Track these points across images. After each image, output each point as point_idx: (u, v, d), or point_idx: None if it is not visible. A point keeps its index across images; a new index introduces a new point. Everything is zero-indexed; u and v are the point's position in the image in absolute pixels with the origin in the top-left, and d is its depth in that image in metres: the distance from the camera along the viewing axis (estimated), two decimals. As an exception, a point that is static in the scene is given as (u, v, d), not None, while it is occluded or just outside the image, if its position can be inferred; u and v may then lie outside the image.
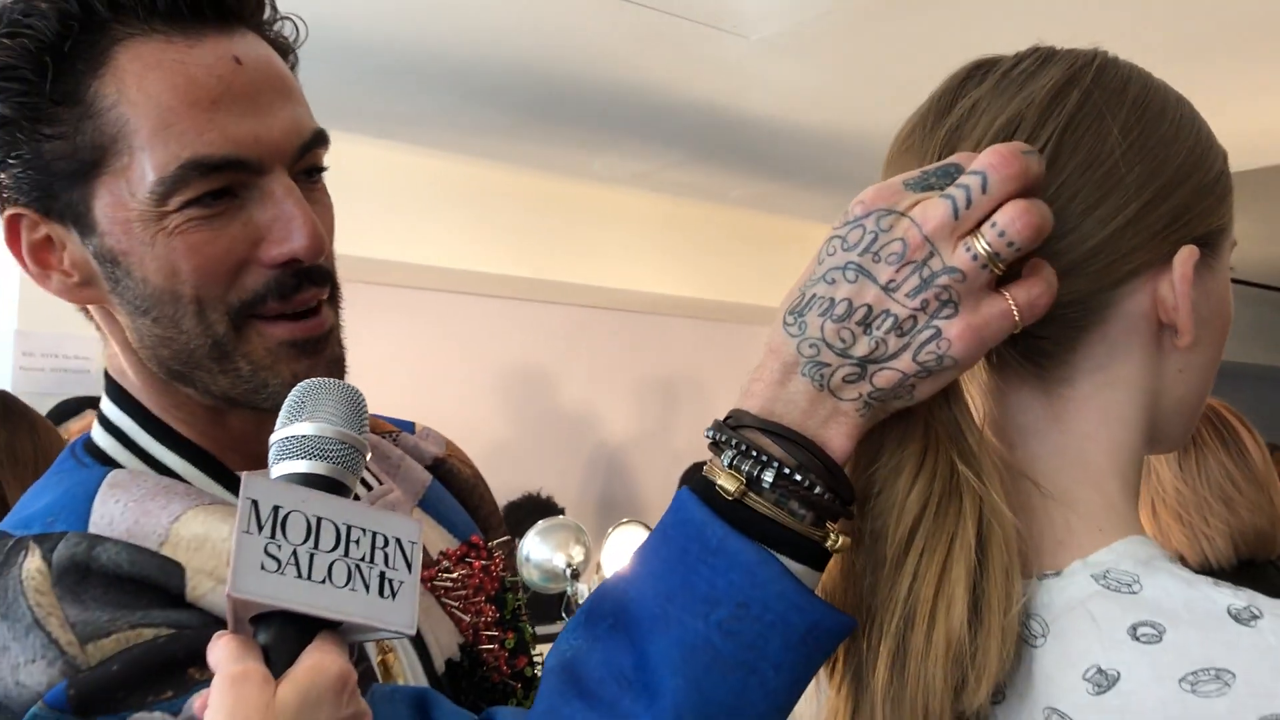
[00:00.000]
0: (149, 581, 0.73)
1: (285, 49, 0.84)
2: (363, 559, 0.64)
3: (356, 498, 0.71)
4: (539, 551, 3.71)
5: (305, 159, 0.79)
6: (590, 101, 3.95)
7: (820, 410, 0.61)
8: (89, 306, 0.84)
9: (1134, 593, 0.63)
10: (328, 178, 0.84)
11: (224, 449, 0.85)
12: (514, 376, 5.39)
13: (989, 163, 0.60)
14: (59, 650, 0.68)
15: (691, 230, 5.36)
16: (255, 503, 0.62)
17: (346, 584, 0.63)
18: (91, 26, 0.75)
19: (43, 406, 2.55)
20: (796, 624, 0.60)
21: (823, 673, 0.68)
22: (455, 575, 0.93)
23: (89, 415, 3.11)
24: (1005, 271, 0.61)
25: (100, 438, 0.85)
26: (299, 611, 0.61)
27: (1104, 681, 0.61)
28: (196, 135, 0.74)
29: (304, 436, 0.66)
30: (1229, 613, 0.60)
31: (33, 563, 0.72)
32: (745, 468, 0.61)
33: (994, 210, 0.60)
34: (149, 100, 0.74)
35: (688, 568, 0.60)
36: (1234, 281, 0.73)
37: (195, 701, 0.60)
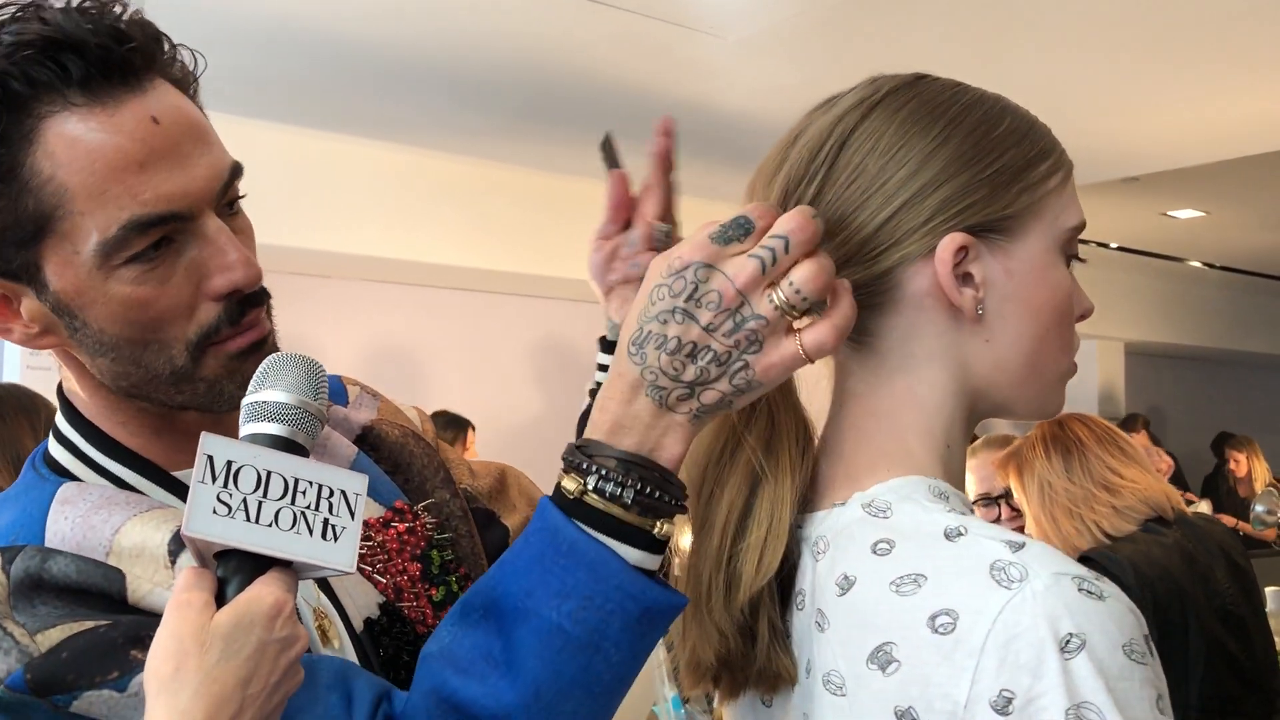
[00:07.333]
0: (95, 589, 0.83)
1: (186, 82, 0.90)
2: (309, 507, 0.75)
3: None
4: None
5: (225, 195, 0.88)
6: (576, 102, 4.04)
7: (660, 423, 0.75)
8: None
9: (885, 518, 0.77)
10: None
11: (169, 450, 0.94)
12: (516, 370, 5.48)
13: (789, 228, 0.73)
14: (14, 641, 0.77)
15: (684, 225, 5.41)
16: (211, 458, 0.72)
17: (292, 528, 0.73)
18: (14, 107, 0.81)
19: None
20: (632, 609, 0.74)
21: None
22: (374, 541, 1.03)
23: None
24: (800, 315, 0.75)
25: (56, 451, 0.93)
26: (245, 549, 0.72)
27: (846, 585, 0.76)
28: (131, 198, 0.81)
29: (266, 402, 0.77)
30: (943, 532, 0.73)
31: None
32: (589, 479, 0.75)
33: (792, 266, 0.73)
34: (82, 170, 0.81)
35: (544, 568, 0.75)
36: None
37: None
